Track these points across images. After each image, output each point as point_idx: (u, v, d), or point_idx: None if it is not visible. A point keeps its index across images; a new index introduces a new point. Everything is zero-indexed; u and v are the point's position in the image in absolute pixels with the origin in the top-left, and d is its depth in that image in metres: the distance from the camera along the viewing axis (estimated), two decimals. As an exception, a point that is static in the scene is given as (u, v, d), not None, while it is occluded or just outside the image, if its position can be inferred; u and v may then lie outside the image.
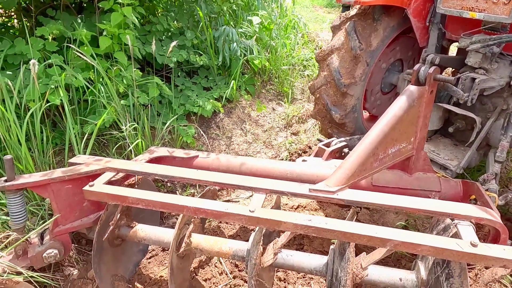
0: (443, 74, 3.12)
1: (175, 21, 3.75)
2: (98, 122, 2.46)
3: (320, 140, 2.80)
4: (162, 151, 2.45)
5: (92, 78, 2.70)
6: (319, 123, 3.35)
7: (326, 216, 2.88)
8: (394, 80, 3.19)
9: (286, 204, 2.97)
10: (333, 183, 1.77)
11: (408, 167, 2.19)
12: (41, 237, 2.06)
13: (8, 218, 1.97)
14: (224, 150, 3.56)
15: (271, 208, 2.05)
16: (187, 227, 2.04)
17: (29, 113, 2.29)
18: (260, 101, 4.28)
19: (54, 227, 2.01)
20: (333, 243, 1.93)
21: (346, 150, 2.60)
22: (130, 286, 2.23)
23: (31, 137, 2.42)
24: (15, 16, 3.78)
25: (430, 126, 2.63)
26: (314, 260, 1.94)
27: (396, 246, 1.49)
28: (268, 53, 4.56)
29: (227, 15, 4.13)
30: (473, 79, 2.31)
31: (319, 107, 3.12)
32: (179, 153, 2.44)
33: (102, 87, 2.66)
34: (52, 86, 2.46)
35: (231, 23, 4.20)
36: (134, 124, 2.66)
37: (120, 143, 2.69)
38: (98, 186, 1.90)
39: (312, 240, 2.56)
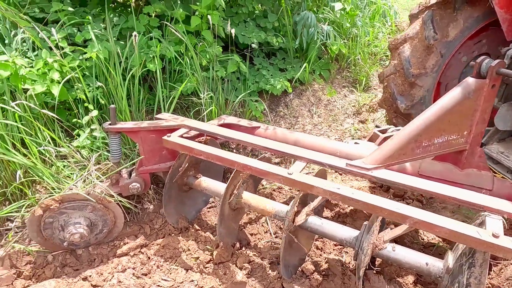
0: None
1: (259, 5, 4.05)
2: (180, 87, 2.93)
3: (377, 126, 2.86)
4: (230, 119, 2.82)
5: (182, 52, 3.18)
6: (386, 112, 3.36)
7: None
8: None
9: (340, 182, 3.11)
10: (370, 161, 1.90)
11: (460, 162, 2.16)
12: (129, 173, 2.62)
13: (109, 154, 2.55)
14: (289, 129, 3.80)
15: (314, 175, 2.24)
16: (241, 185, 2.38)
17: (129, 74, 2.85)
18: (333, 86, 4.37)
19: (139, 166, 2.54)
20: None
21: None
22: (190, 226, 2.69)
23: (131, 96, 3.01)
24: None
25: (503, 126, 2.49)
26: (347, 232, 2.10)
27: (415, 223, 1.59)
28: (348, 40, 4.58)
29: (310, 0, 4.28)
30: None
31: (386, 95, 3.14)
32: (244, 122, 2.78)
33: (188, 60, 3.13)
34: (151, 56, 2.99)
35: (314, 8, 4.34)
36: (211, 94, 3.08)
37: (197, 108, 3.16)
38: (174, 137, 2.35)
39: (355, 219, 2.70)
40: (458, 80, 3.08)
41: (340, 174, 3.29)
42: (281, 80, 3.78)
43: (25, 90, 2.56)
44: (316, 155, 2.05)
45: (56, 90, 2.57)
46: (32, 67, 2.67)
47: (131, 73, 2.82)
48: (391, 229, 1.88)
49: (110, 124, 2.40)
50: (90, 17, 3.08)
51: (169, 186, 2.48)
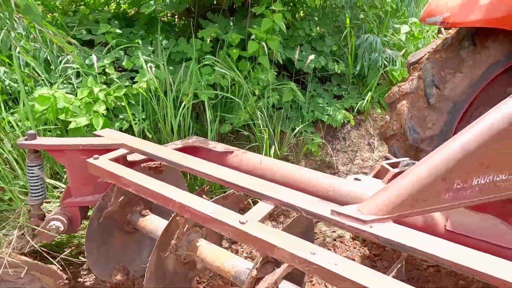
0: None
1: (317, 27, 3.70)
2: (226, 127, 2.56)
3: (387, 158, 2.19)
4: (199, 142, 2.19)
5: (235, 79, 2.86)
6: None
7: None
8: None
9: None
10: (369, 209, 1.25)
11: (510, 215, 1.55)
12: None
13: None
14: (347, 164, 3.38)
15: (283, 228, 1.54)
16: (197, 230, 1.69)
17: (183, 106, 2.55)
18: (394, 116, 3.92)
19: (65, 197, 1.88)
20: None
21: None
22: (131, 283, 2.02)
23: (180, 128, 2.68)
24: (177, 15, 4.32)
25: None
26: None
27: None
28: (411, 64, 4.13)
29: (372, 22, 3.88)
30: None
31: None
32: (218, 147, 2.12)
33: (242, 88, 2.80)
34: (203, 84, 2.69)
35: (375, 30, 3.94)
36: (261, 128, 2.72)
37: (251, 144, 2.81)
38: (102, 160, 1.74)
39: None
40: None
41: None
42: (340, 110, 3.38)
43: (66, 123, 2.31)
44: (289, 194, 1.46)
45: (99, 124, 2.31)
46: (75, 95, 2.43)
47: (184, 104, 2.52)
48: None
49: (27, 139, 1.78)
50: (139, 41, 2.84)
51: (96, 227, 1.82)
